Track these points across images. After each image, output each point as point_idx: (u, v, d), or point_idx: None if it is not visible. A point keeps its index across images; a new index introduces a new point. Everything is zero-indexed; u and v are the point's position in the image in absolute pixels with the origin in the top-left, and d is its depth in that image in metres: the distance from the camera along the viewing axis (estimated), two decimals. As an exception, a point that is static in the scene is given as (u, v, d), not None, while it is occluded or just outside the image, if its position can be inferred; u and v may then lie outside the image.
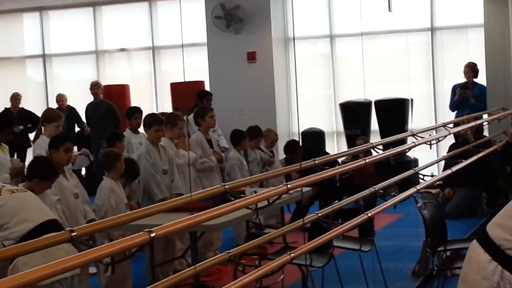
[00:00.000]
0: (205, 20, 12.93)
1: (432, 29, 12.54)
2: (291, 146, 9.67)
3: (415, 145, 5.93)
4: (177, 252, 6.94)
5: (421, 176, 6.45)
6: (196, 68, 13.57)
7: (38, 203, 4.86)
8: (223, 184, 3.66)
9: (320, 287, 6.19)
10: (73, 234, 2.73)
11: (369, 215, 4.83)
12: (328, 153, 9.97)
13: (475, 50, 11.29)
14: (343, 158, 12.11)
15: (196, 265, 3.46)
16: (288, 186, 3.83)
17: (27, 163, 8.28)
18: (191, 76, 13.06)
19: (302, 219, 4.41)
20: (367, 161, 4.91)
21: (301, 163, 4.42)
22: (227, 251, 3.78)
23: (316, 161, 4.55)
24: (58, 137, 6.35)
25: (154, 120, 7.16)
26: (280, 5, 13.02)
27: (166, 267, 6.68)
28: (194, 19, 13.43)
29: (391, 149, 5.74)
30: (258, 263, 3.82)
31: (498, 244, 3.41)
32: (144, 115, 8.14)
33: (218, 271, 6.87)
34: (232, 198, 3.68)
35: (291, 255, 3.88)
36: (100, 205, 6.20)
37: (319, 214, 4.67)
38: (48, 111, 8.00)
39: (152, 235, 2.81)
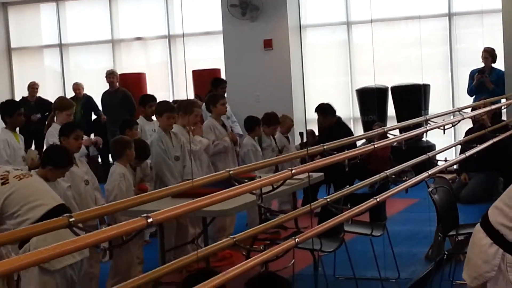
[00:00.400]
0: (220, 8, 12.90)
1: (450, 15, 12.43)
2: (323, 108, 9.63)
3: (427, 130, 5.87)
4: (190, 237, 6.95)
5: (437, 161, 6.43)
6: (212, 56, 13.60)
7: (46, 188, 4.86)
8: (228, 169, 3.64)
9: (332, 272, 6.18)
10: (71, 219, 2.74)
11: (378, 199, 4.80)
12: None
13: (493, 35, 11.17)
14: (360, 143, 12.18)
15: (198, 250, 3.45)
16: (293, 171, 3.81)
17: (45, 143, 8.39)
18: (207, 65, 13.11)
19: (309, 204, 4.40)
20: (376, 146, 4.86)
21: (308, 148, 4.40)
22: (232, 236, 3.78)
23: (325, 147, 4.53)
24: (68, 125, 6.37)
25: (165, 108, 7.17)
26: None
27: (179, 253, 6.68)
28: (210, 7, 13.42)
29: (402, 134, 5.71)
30: (263, 247, 3.79)
31: (497, 229, 3.38)
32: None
33: (230, 256, 6.88)
34: (236, 183, 3.68)
35: (296, 240, 3.85)
36: (110, 190, 6.22)
37: (328, 199, 4.66)
38: (60, 100, 8.05)
39: (150, 220, 2.80)
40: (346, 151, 4.64)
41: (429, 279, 6.14)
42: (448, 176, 9.96)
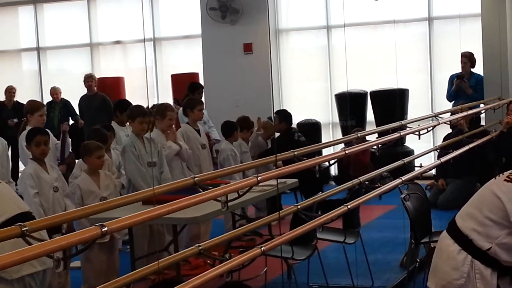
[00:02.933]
0: (200, 11, 12.83)
1: (429, 19, 12.42)
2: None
3: (401, 136, 5.82)
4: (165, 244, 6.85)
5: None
6: (191, 60, 13.52)
7: (12, 195, 4.73)
8: (193, 176, 3.56)
9: (305, 280, 6.10)
10: (24, 229, 2.65)
11: (349, 206, 4.73)
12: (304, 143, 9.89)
13: (472, 40, 11.15)
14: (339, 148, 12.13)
15: (159, 260, 3.37)
16: (259, 178, 3.73)
17: (19, 148, 8.22)
18: (186, 69, 13.03)
19: (278, 212, 4.32)
20: (346, 151, 4.80)
21: (277, 154, 4.32)
22: (197, 244, 3.69)
23: (295, 153, 4.46)
24: (29, 132, 6.24)
25: (138, 112, 7.05)
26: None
27: (152, 260, 6.57)
28: (189, 10, 13.35)
29: (375, 140, 5.65)
30: (228, 256, 3.71)
31: (466, 234, 3.33)
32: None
33: (204, 265, 6.78)
34: (201, 190, 3.59)
35: (262, 248, 3.78)
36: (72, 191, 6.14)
37: (299, 206, 4.59)
38: (30, 103, 7.91)
39: (104, 229, 2.72)
40: (316, 157, 4.58)
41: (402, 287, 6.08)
42: (426, 182, 9.96)
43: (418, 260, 5.63)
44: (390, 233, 8.01)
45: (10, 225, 4.36)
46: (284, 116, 9.79)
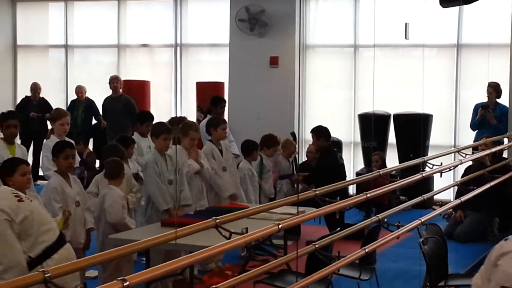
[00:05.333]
0: (228, 21, 12.86)
1: (458, 46, 12.36)
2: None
3: (423, 177, 5.81)
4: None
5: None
6: (216, 69, 13.55)
7: (46, 215, 4.73)
8: (215, 218, 3.59)
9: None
10: (46, 275, 2.69)
11: (366, 250, 4.75)
12: (343, 166, 9.84)
13: (499, 70, 11.09)
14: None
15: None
16: (280, 226, 3.77)
17: (41, 155, 8.28)
18: (212, 77, 13.07)
19: (296, 251, 4.34)
20: (368, 195, 4.81)
21: (299, 194, 4.34)
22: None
23: (317, 192, 4.47)
24: (57, 145, 6.27)
25: (162, 129, 7.06)
26: (305, 11, 12.94)
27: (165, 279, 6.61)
28: (218, 19, 13.38)
29: (397, 181, 5.66)
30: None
31: None
32: (161, 114, 8.06)
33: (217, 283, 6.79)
34: (223, 235, 3.62)
35: None
36: (113, 214, 6.19)
37: (317, 245, 4.60)
38: (55, 110, 7.99)
39: (126, 283, 2.71)
40: (338, 202, 4.59)
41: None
42: (443, 209, 9.92)
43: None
44: (405, 263, 7.98)
45: (52, 250, 4.36)
46: (321, 132, 9.51)
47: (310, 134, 9.72)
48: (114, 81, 12.46)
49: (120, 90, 12.52)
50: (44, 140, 7.84)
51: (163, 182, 6.88)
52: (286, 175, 9.67)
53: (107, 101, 12.57)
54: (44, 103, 13.23)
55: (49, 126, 8.67)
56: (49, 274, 2.70)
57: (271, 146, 9.12)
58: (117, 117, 12.14)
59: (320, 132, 9.54)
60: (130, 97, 12.38)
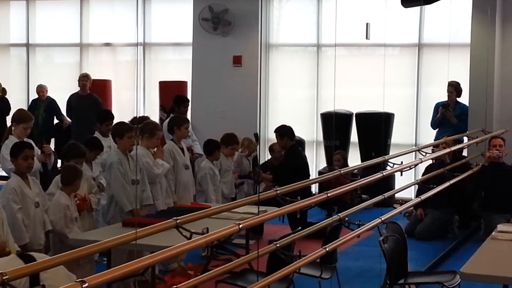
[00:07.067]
0: (192, 21, 12.85)
1: (419, 46, 12.49)
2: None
3: (383, 176, 5.87)
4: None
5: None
6: (179, 68, 13.53)
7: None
8: (175, 218, 3.60)
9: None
10: (4, 277, 2.68)
11: (327, 249, 4.79)
12: (307, 165, 9.87)
13: (459, 69, 11.24)
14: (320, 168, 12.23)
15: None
16: (240, 226, 3.79)
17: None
18: (175, 76, 13.05)
19: (257, 251, 4.36)
20: (329, 195, 4.85)
21: (260, 193, 4.38)
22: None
23: (278, 191, 4.51)
24: (16, 145, 6.22)
25: (125, 128, 7.03)
26: (269, 11, 12.98)
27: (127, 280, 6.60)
28: (182, 19, 13.36)
29: (359, 180, 5.72)
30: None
31: None
32: (123, 113, 8.01)
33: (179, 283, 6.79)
34: (183, 235, 3.63)
35: None
36: (55, 221, 6.11)
37: (278, 245, 4.63)
38: (19, 112, 7.84)
39: (85, 285, 2.72)
40: (299, 201, 4.62)
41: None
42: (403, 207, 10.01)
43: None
44: (366, 262, 8.05)
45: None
46: (284, 131, 9.54)
47: (274, 134, 9.76)
48: (83, 79, 12.15)
49: (88, 89, 12.31)
50: (4, 142, 7.69)
51: (127, 182, 6.87)
52: (246, 175, 9.71)
53: (72, 99, 12.26)
54: (6, 101, 13.06)
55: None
56: (7, 277, 2.69)
57: (229, 144, 9.09)
58: (83, 116, 11.92)
59: (284, 131, 9.58)
60: (98, 97, 12.20)
